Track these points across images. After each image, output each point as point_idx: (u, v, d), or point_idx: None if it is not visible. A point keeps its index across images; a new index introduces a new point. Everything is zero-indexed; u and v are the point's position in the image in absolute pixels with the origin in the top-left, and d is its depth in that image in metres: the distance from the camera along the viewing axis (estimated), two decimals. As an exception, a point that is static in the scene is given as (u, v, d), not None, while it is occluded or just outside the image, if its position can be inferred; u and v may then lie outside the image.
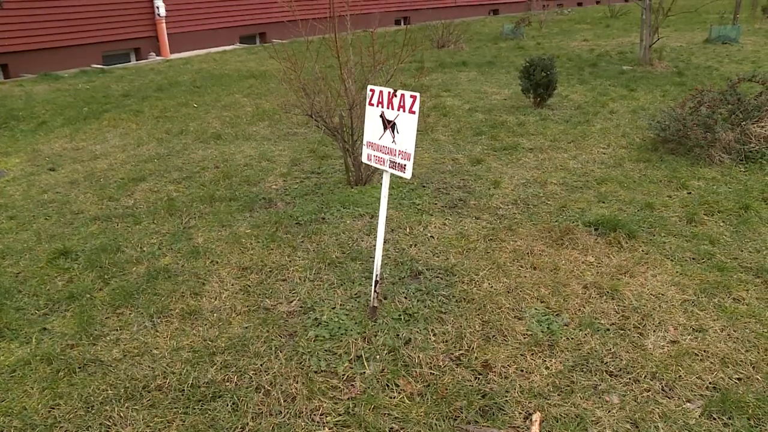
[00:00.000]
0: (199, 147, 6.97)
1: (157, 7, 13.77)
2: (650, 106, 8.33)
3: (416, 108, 3.10)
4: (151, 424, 2.78)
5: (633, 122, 7.58)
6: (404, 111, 3.15)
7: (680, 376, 3.07)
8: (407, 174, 3.21)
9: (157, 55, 14.16)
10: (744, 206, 4.97)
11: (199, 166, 6.25)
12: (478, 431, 2.72)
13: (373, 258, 3.52)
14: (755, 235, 4.53)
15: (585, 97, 9.06)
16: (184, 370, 3.11)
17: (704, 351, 3.25)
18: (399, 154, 3.22)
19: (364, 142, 3.45)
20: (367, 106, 3.38)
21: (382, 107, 3.27)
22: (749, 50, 13.19)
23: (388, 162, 3.31)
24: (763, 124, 6.23)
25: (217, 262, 4.21)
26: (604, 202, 5.14)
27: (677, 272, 4.03)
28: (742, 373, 3.09)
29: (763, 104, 6.32)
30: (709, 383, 3.02)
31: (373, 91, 3.33)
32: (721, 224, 4.73)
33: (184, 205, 5.20)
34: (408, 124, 3.15)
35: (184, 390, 2.98)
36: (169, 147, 6.99)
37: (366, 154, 3.46)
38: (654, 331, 3.43)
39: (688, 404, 2.90)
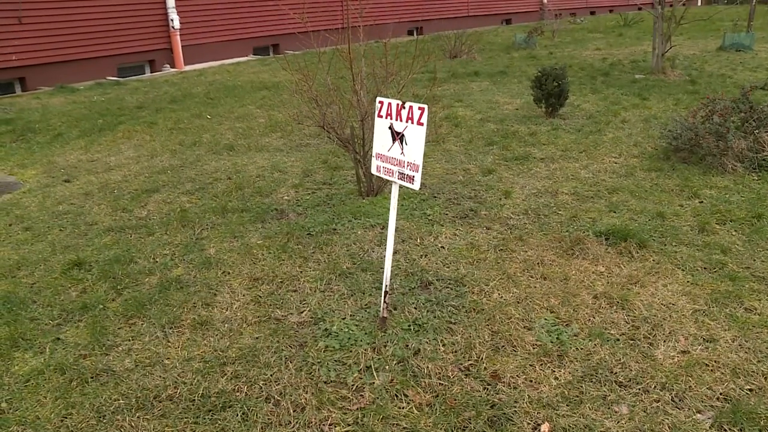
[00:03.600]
0: (212, 158, 7.04)
1: (172, 20, 13.92)
2: (663, 114, 8.30)
3: (424, 120, 3.12)
4: (161, 434, 2.80)
5: (645, 131, 7.56)
6: (412, 123, 3.18)
7: (691, 386, 3.05)
8: (416, 185, 3.23)
9: (171, 67, 14.31)
10: (757, 215, 4.94)
11: (212, 178, 6.30)
12: (486, 442, 2.72)
13: (384, 269, 3.54)
14: (768, 245, 4.50)
15: (597, 106, 9.05)
16: (195, 380, 3.14)
17: (715, 361, 3.23)
18: (408, 166, 3.25)
19: (374, 154, 3.48)
20: (376, 118, 3.41)
21: (391, 119, 3.30)
22: (763, 57, 13.12)
23: (397, 173, 3.33)
24: (776, 132, 6.20)
25: (229, 273, 4.25)
26: (615, 212, 5.13)
27: (688, 282, 4.02)
28: (753, 383, 3.07)
29: (776, 112, 6.29)
30: (720, 394, 3.00)
31: (381, 103, 3.36)
32: (734, 233, 4.71)
33: (196, 216, 5.25)
34: (416, 136, 3.17)
35: (194, 400, 3.00)
36: (183, 158, 7.06)
37: (375, 166, 3.49)
38: (664, 341, 3.41)
39: (699, 415, 2.88)
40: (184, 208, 5.44)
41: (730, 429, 2.78)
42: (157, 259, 4.50)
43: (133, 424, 2.87)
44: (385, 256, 3.54)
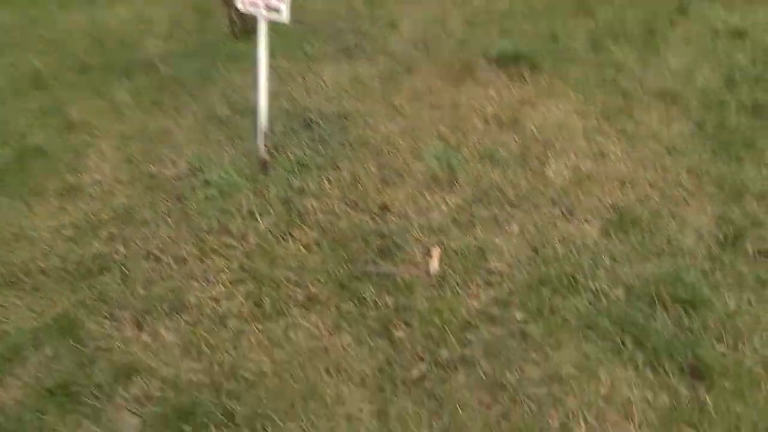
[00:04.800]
0: (64, 13, 6.25)
1: None
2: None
3: (289, -54, 2.82)
4: (35, 308, 2.64)
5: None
6: (277, -49, 2.88)
7: (581, 200, 3.09)
8: (284, 17, 3.02)
9: None
10: (650, 30, 4.94)
11: (66, 34, 5.65)
12: (376, 271, 2.68)
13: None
14: (659, 60, 4.53)
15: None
16: (67, 248, 2.96)
17: (605, 174, 3.27)
18: (275, -4, 2.98)
19: (238, -12, 3.17)
20: (240, -53, 3.07)
21: (254, -53, 2.98)
22: None
23: (263, 5, 3.10)
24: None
25: (96, 135, 3.92)
26: (507, 37, 4.98)
27: (581, 100, 4.01)
28: (640, 192, 3.15)
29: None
30: (609, 204, 3.06)
31: (243, -71, 3.01)
32: (627, 50, 4.69)
33: (52, 77, 4.74)
34: (282, -35, 2.88)
35: (68, 269, 2.84)
36: (29, 15, 6.23)
37: (241, 1, 3.20)
38: (555, 159, 3.42)
39: (586, 225, 2.92)
40: (36, 70, 4.89)
41: (615, 235, 2.85)
42: (11, 128, 4.05)
43: (1, 302, 2.66)
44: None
